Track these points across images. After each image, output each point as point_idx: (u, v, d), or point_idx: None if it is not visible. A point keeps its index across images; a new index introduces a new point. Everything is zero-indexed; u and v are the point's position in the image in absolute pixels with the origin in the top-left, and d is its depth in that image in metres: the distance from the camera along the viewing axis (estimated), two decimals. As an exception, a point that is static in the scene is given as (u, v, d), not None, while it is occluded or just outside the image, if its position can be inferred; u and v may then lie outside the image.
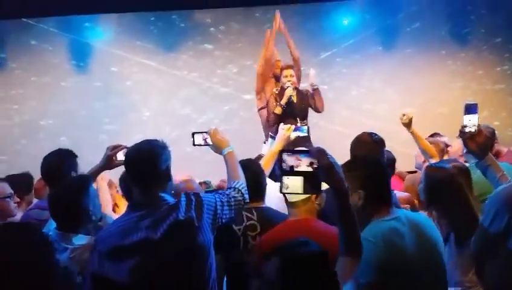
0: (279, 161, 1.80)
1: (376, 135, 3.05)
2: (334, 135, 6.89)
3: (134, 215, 2.04)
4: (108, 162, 2.65)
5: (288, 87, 5.17)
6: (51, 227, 2.33)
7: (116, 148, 2.64)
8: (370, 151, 2.89)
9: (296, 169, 1.78)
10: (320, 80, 7.19)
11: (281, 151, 1.82)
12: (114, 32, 7.83)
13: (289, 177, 1.81)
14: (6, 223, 2.70)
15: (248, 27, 7.80)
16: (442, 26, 7.76)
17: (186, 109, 7.76)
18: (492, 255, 2.26)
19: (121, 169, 2.57)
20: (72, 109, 7.68)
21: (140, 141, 2.17)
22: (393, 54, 7.76)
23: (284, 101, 5.14)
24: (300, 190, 1.80)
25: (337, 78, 7.68)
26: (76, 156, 2.90)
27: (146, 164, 2.07)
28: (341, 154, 2.22)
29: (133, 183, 2.10)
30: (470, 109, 2.41)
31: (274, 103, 5.26)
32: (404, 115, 3.51)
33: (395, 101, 7.55)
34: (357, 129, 3.17)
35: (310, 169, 1.76)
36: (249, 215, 2.56)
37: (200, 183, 4.27)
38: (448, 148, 4.10)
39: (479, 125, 2.39)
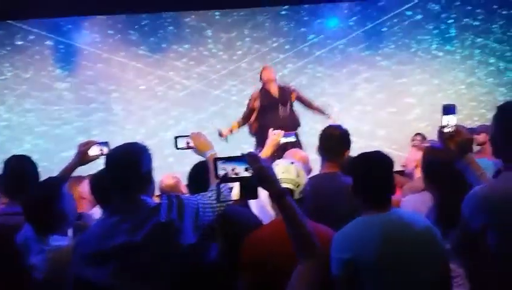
0: (214, 169, 1.77)
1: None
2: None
3: (115, 218, 2.04)
4: (82, 158, 2.74)
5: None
6: (27, 229, 2.33)
7: (87, 144, 2.74)
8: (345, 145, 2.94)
9: (232, 176, 1.76)
10: (308, 79, 7.26)
11: (215, 159, 1.79)
12: (103, 34, 7.84)
13: (225, 184, 1.80)
14: None
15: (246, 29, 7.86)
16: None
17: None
18: (471, 251, 2.29)
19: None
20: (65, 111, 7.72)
21: (121, 144, 2.18)
22: (379, 55, 7.85)
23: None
24: (237, 197, 1.79)
25: (327, 79, 7.78)
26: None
27: (127, 167, 2.07)
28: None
29: (114, 186, 2.10)
30: (449, 110, 2.45)
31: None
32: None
33: (379, 103, 7.66)
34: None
35: (246, 174, 1.74)
36: None
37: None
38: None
39: (457, 126, 2.43)
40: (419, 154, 3.78)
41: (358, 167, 2.24)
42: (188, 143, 2.55)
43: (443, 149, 2.52)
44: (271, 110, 5.77)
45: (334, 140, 2.95)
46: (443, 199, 2.53)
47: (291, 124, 5.59)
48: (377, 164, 2.20)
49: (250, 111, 6.01)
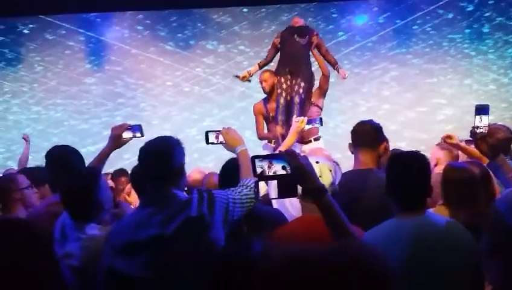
0: (252, 167, 1.75)
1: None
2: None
3: (147, 211, 2.06)
4: (116, 141, 2.77)
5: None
6: (65, 216, 2.36)
7: (121, 126, 2.80)
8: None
9: (270, 173, 1.73)
10: (335, 77, 7.23)
11: (253, 157, 1.77)
12: (132, 29, 7.94)
13: (264, 182, 1.78)
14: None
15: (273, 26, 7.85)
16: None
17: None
18: (499, 253, 2.24)
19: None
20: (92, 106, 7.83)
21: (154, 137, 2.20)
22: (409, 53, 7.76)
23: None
24: (275, 195, 1.77)
25: (355, 76, 7.72)
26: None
27: (159, 161, 2.08)
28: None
29: (146, 179, 2.12)
30: (481, 110, 2.41)
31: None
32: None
33: (408, 102, 7.56)
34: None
35: (284, 172, 1.72)
36: None
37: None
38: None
39: (489, 126, 2.38)
40: (440, 153, 3.76)
41: (393, 167, 2.16)
42: (218, 138, 2.54)
43: (462, 167, 2.48)
44: (288, 39, 5.67)
45: (365, 135, 2.89)
46: (459, 218, 2.47)
47: (303, 57, 5.58)
48: (413, 165, 2.12)
49: (273, 49, 5.89)
